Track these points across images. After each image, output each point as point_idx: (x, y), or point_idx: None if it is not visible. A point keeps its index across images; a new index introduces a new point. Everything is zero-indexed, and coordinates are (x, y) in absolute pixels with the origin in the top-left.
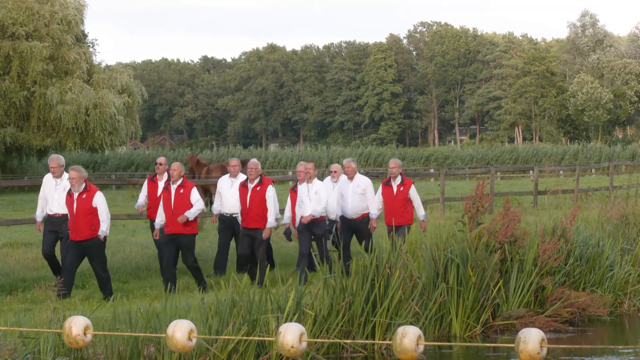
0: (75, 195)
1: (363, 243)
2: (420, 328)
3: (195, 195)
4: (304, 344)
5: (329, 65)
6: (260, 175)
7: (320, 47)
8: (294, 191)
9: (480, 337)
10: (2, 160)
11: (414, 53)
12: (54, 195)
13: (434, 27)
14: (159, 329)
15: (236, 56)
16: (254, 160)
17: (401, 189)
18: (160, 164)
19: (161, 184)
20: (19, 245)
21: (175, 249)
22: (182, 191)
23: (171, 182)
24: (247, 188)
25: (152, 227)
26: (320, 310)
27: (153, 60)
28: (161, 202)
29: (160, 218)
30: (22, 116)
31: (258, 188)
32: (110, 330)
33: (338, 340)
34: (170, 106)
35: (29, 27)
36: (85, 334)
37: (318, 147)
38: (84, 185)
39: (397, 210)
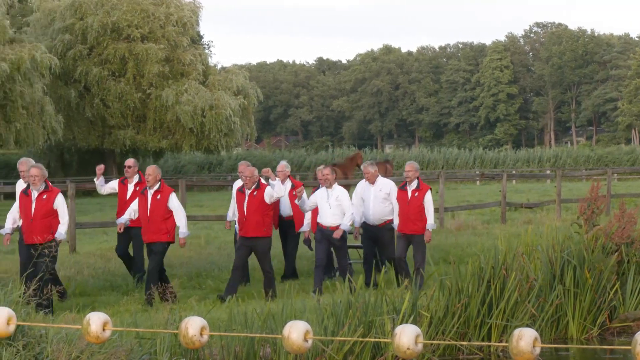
0: (34, 195)
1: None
2: (536, 330)
3: (173, 202)
4: (420, 346)
5: (445, 66)
6: (259, 180)
7: (436, 48)
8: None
9: (596, 340)
10: (119, 162)
11: (530, 54)
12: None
13: (549, 28)
14: (275, 329)
15: (351, 57)
16: (243, 162)
17: (416, 194)
18: (129, 167)
19: (131, 187)
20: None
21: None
22: (159, 197)
23: (147, 188)
24: (244, 194)
25: (124, 235)
26: (436, 312)
27: (268, 62)
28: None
29: (126, 216)
30: (138, 118)
31: (255, 193)
32: (226, 330)
33: (454, 342)
34: (285, 108)
35: (145, 29)
36: (201, 334)
37: (433, 148)
38: (44, 184)
39: (411, 217)
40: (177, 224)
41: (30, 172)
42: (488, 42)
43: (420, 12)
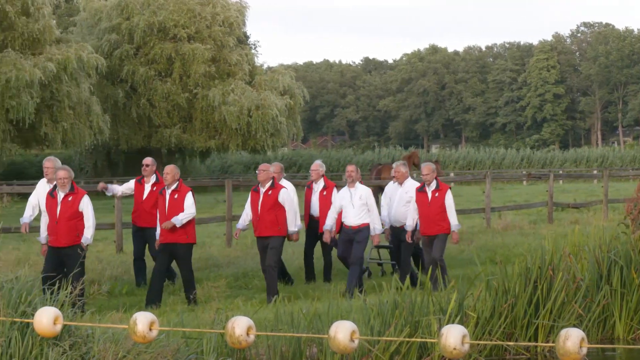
0: (60, 197)
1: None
2: (583, 330)
3: (189, 200)
4: (467, 346)
5: (491, 66)
6: (272, 179)
7: (483, 47)
8: (308, 188)
9: None
10: (165, 161)
11: (577, 54)
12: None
13: (596, 28)
14: (321, 329)
15: (397, 57)
16: (265, 164)
17: (436, 195)
18: (147, 166)
19: (148, 187)
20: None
21: (168, 259)
22: (176, 196)
23: (166, 187)
24: (259, 193)
25: (136, 235)
26: (483, 312)
27: (314, 62)
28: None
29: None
30: (185, 118)
31: (270, 192)
32: (272, 330)
33: (500, 342)
34: (331, 107)
35: (191, 29)
36: (248, 334)
37: (480, 148)
38: (70, 186)
39: (433, 218)
40: (179, 220)
41: (58, 174)
42: (535, 42)
43: (467, 11)
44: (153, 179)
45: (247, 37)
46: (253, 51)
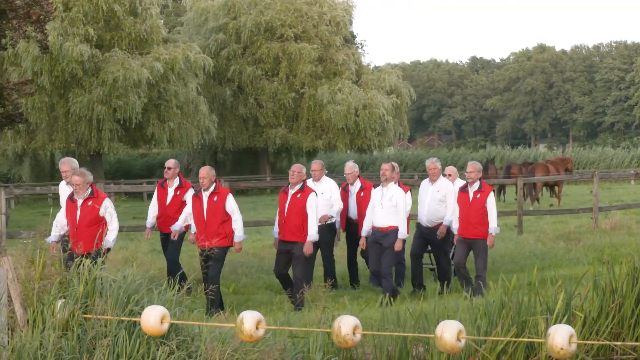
0: (79, 202)
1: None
2: None
3: (231, 204)
4: (574, 346)
5: (599, 65)
6: (303, 181)
7: (590, 46)
8: (344, 191)
9: None
10: (272, 161)
11: None
12: None
13: None
14: (428, 329)
15: (505, 56)
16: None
17: (478, 196)
18: (169, 168)
19: (171, 191)
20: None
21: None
22: (215, 199)
23: (202, 190)
24: (287, 194)
25: (165, 242)
26: (590, 312)
27: (422, 61)
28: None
29: (180, 222)
30: (291, 117)
31: (299, 196)
32: (378, 330)
33: (608, 342)
34: (438, 107)
35: (298, 29)
36: (354, 333)
37: (587, 147)
38: (89, 190)
39: (472, 220)
40: (233, 226)
41: (73, 180)
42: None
43: (575, 10)
44: (176, 182)
45: (353, 37)
46: (360, 50)
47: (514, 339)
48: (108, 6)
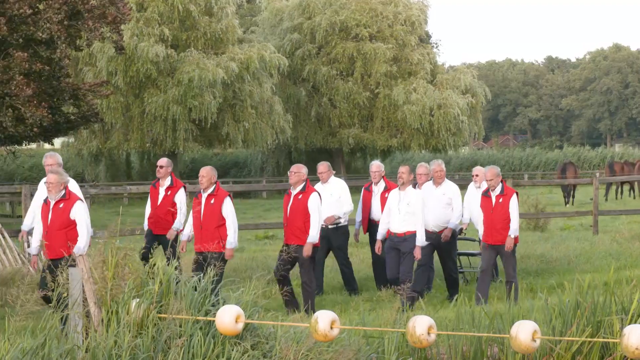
0: (52, 203)
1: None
2: None
3: (227, 208)
4: None
5: None
6: (305, 181)
7: None
8: (367, 191)
9: None
10: (347, 160)
11: None
12: None
13: None
14: (502, 329)
15: (580, 56)
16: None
17: (500, 200)
18: (161, 167)
19: (162, 191)
20: (363, 244)
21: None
22: (212, 201)
23: (201, 191)
24: (289, 195)
25: (152, 239)
26: None
27: (497, 61)
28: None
29: (187, 231)
30: (366, 117)
31: (300, 197)
32: (453, 330)
33: None
34: (513, 106)
35: (373, 29)
36: (429, 333)
37: None
38: (63, 192)
39: (497, 225)
40: (227, 232)
41: (48, 178)
42: None
43: None
44: (168, 181)
45: (428, 36)
46: (435, 50)
47: (589, 339)
48: (184, 6)
